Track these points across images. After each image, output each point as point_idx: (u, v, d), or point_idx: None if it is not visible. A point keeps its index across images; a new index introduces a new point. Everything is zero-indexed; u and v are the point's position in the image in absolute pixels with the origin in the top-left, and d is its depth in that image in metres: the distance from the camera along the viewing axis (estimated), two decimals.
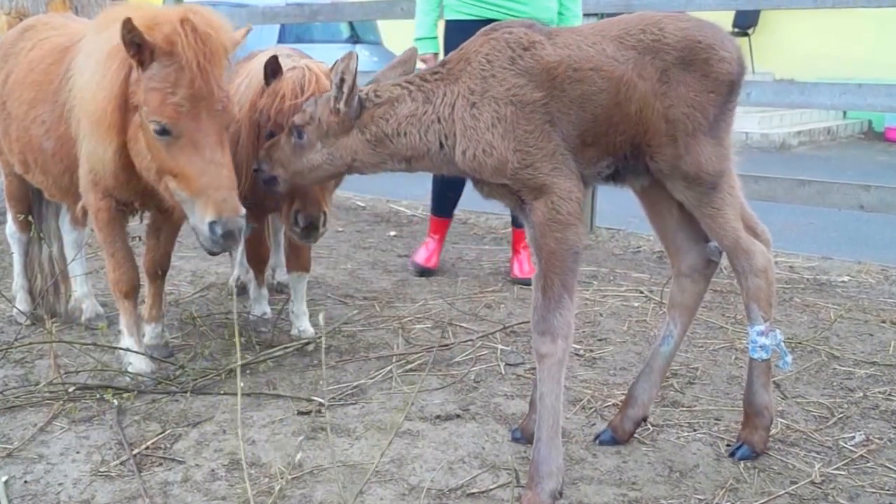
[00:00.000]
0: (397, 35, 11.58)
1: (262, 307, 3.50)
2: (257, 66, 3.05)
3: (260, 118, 2.82)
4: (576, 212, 2.08)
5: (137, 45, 2.36)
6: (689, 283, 2.44)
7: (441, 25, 4.14)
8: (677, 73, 2.11)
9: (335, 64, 2.24)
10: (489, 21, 2.79)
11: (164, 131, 2.37)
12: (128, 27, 2.31)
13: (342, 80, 2.18)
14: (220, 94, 2.43)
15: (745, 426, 2.39)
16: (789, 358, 2.36)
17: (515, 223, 4.28)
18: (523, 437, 2.45)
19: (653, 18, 2.19)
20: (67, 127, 2.87)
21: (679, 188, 2.21)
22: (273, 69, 2.80)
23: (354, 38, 10.33)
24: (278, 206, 2.94)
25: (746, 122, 10.43)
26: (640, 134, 2.12)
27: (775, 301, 2.35)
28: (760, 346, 2.32)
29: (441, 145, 2.17)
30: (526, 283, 4.05)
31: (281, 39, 9.74)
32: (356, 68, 2.18)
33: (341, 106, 2.21)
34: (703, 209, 2.22)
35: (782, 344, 2.32)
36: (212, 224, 2.36)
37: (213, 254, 2.58)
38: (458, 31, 3.73)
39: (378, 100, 2.22)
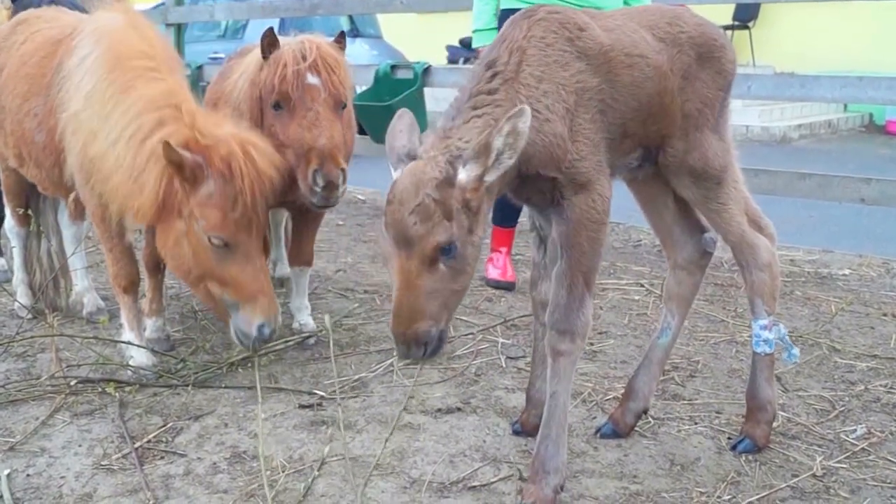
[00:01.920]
0: (397, 29, 11.56)
1: None
2: (252, 60, 3.03)
3: (262, 91, 2.78)
4: (608, 210, 2.04)
5: (178, 165, 2.41)
6: (686, 274, 2.44)
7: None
8: (695, 69, 2.13)
9: (501, 126, 1.78)
10: None
11: (223, 245, 2.47)
12: (170, 153, 2.37)
13: (508, 146, 1.78)
14: (269, 187, 2.57)
15: (748, 420, 2.39)
16: (796, 350, 2.36)
17: (498, 221, 4.04)
18: (524, 430, 2.44)
19: (673, 12, 2.20)
20: (58, 119, 2.87)
21: (685, 184, 2.20)
22: (269, 42, 2.77)
23: (354, 32, 10.28)
24: (285, 192, 2.87)
25: (747, 115, 10.41)
26: (667, 126, 2.12)
27: (778, 295, 2.34)
28: (764, 340, 2.32)
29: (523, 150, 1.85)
30: (502, 286, 3.91)
31: (281, 32, 9.71)
32: (527, 130, 1.79)
33: (490, 177, 1.81)
34: (709, 204, 2.22)
35: (787, 337, 2.33)
36: (261, 326, 2.52)
37: (254, 351, 2.73)
38: None
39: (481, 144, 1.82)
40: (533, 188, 2.03)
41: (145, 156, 2.51)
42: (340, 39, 2.94)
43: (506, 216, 4.04)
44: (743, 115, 10.42)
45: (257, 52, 2.91)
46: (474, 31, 3.89)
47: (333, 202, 2.77)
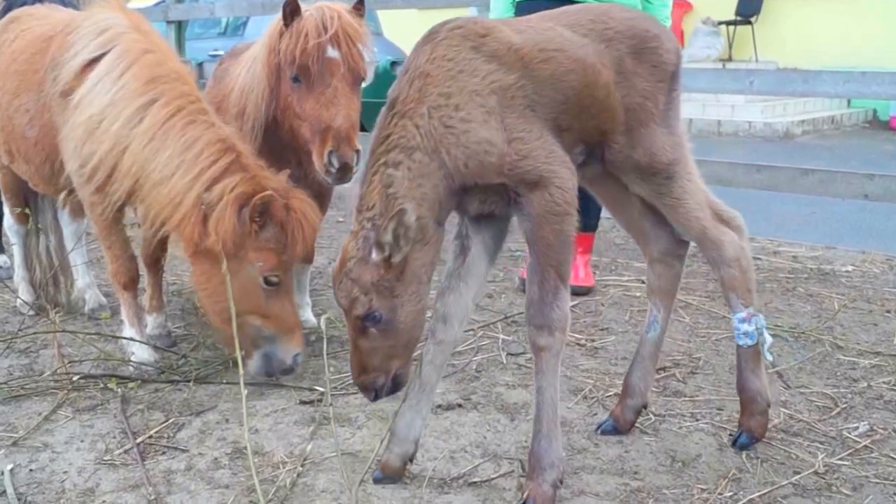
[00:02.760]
0: (398, 25, 11.54)
1: None
2: (252, 55, 3.02)
3: (282, 60, 2.77)
4: (572, 200, 2.01)
5: (261, 213, 2.52)
6: (664, 267, 2.41)
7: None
8: (630, 63, 2.10)
9: (396, 218, 1.86)
10: (567, 2, 2.69)
11: (270, 283, 2.60)
12: (263, 203, 2.49)
13: (400, 236, 1.86)
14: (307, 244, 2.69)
15: (743, 413, 2.38)
16: (769, 340, 2.31)
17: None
18: (384, 477, 2.22)
19: (598, 9, 2.16)
20: (51, 115, 2.88)
21: (634, 180, 2.16)
22: (292, 9, 2.76)
23: None
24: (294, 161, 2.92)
25: (749, 111, 10.40)
26: (606, 121, 2.08)
27: (754, 286, 2.29)
28: (744, 333, 2.28)
29: (444, 178, 1.93)
30: (581, 292, 3.81)
31: None
32: (413, 220, 1.87)
33: (399, 256, 1.90)
34: (663, 200, 2.17)
35: (765, 329, 2.29)
36: (296, 356, 2.65)
37: (279, 376, 2.75)
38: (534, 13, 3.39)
39: (383, 206, 1.91)
40: (485, 195, 2.03)
41: (216, 197, 2.54)
42: (360, 6, 2.93)
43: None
44: (745, 110, 10.41)
45: (277, 19, 2.88)
46: None
47: (348, 181, 2.79)
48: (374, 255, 1.90)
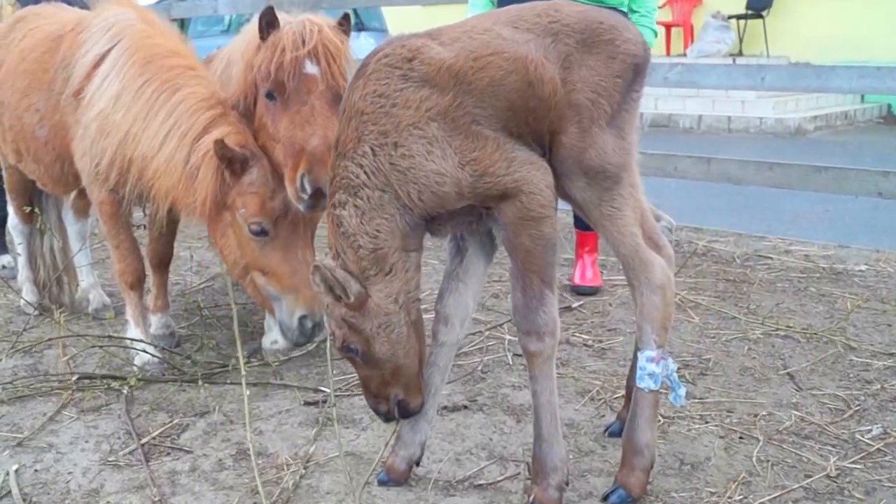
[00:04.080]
0: (402, 22, 11.54)
1: None
2: (234, 48, 2.94)
3: (257, 76, 2.60)
4: (548, 202, 1.93)
5: (229, 160, 2.49)
6: None
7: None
8: (580, 56, 1.98)
9: (314, 277, 1.95)
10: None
11: (262, 232, 2.54)
12: (222, 148, 2.46)
13: (332, 287, 1.93)
14: None
15: (622, 466, 2.14)
16: (683, 391, 2.14)
17: (577, 225, 3.96)
18: (390, 479, 2.23)
19: (546, 4, 2.07)
20: (62, 116, 2.90)
21: (580, 185, 2.02)
22: (269, 21, 2.58)
23: (359, 26, 10.26)
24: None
25: (760, 107, 10.34)
26: (555, 121, 1.97)
27: (670, 324, 2.12)
28: (649, 374, 2.08)
29: (401, 208, 1.92)
30: (588, 291, 3.83)
31: None
32: (333, 273, 1.92)
33: (351, 297, 1.94)
34: (603, 208, 2.03)
35: (675, 375, 2.11)
36: (302, 318, 2.57)
37: (298, 345, 2.76)
38: None
39: (338, 246, 1.97)
40: (454, 218, 2.00)
41: (201, 154, 2.55)
42: (344, 22, 2.74)
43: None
44: (756, 106, 10.36)
45: (254, 31, 2.84)
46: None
47: (321, 210, 2.55)
48: (330, 298, 1.97)
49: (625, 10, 3.47)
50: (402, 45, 1.92)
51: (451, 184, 1.88)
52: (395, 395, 2.10)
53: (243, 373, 2.61)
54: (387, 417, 2.14)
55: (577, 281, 3.90)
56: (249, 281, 2.65)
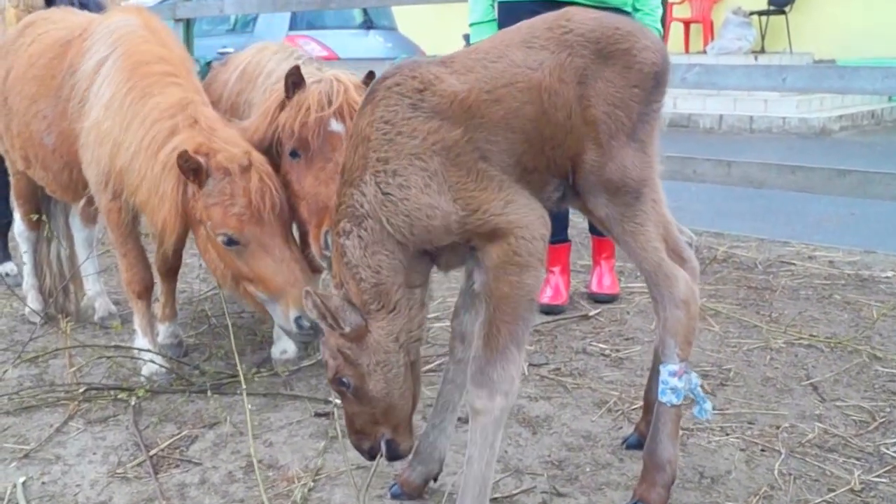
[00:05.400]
0: (412, 20, 11.60)
1: None
2: (245, 59, 3.03)
3: (282, 134, 2.67)
4: (538, 252, 1.90)
5: (195, 171, 2.51)
6: None
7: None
8: (596, 68, 1.95)
9: (307, 303, 1.97)
10: (550, 2, 2.62)
11: (231, 241, 2.54)
12: (185, 158, 2.47)
13: (324, 316, 1.94)
14: (276, 196, 2.59)
15: (643, 481, 2.15)
16: (709, 405, 2.15)
17: (593, 230, 3.96)
18: (403, 493, 2.24)
19: (557, 14, 2.04)
20: (69, 123, 2.95)
21: (601, 202, 2.01)
22: (295, 81, 2.64)
23: (368, 24, 10.35)
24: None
25: (784, 106, 10.32)
26: (573, 145, 1.96)
27: (694, 338, 2.14)
28: (671, 389, 2.09)
29: (398, 244, 1.92)
30: (606, 299, 3.84)
31: (293, 26, 9.81)
32: (325, 302, 1.94)
33: (346, 328, 1.96)
34: (625, 224, 2.02)
35: (699, 389, 2.13)
36: (297, 319, 2.54)
37: (304, 345, 2.76)
38: (514, 14, 3.09)
39: (343, 275, 1.98)
40: (453, 258, 2.01)
41: (160, 167, 2.59)
42: (368, 80, 2.77)
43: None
44: (779, 105, 10.33)
45: (250, 54, 2.87)
46: (471, 25, 3.73)
47: None
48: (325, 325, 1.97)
49: (629, 9, 3.51)
50: (413, 75, 1.91)
51: (440, 217, 1.87)
52: (383, 434, 2.08)
53: (244, 386, 2.67)
54: (370, 455, 2.12)
55: (594, 288, 3.91)
56: (242, 290, 2.67)
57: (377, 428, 2.08)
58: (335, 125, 2.63)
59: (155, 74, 2.74)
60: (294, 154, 2.66)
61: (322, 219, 2.57)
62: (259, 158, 2.61)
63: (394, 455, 2.11)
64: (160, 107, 2.67)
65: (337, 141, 2.63)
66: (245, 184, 2.52)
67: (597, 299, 3.87)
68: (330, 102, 2.62)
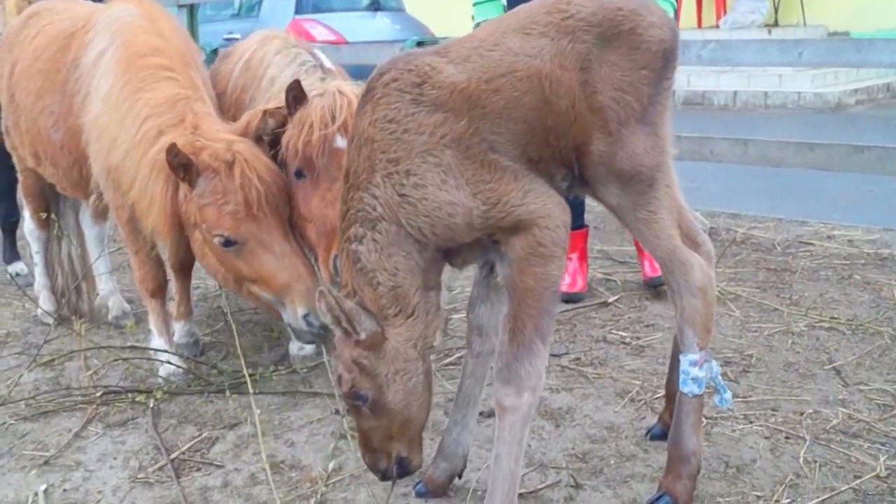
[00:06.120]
0: (421, 1, 11.52)
1: None
2: (248, 50, 3.00)
3: (286, 154, 2.60)
4: (562, 240, 1.88)
5: (185, 167, 2.46)
6: None
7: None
8: (599, 53, 1.89)
9: (321, 305, 1.93)
10: None
11: (228, 242, 2.51)
12: (174, 153, 2.43)
13: (339, 319, 1.91)
14: (273, 188, 2.54)
15: (668, 473, 2.15)
16: (729, 395, 2.16)
17: None
18: (428, 490, 2.25)
19: None
20: (76, 119, 2.93)
21: (613, 193, 1.98)
22: (296, 96, 2.57)
23: (375, 6, 10.28)
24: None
25: (798, 80, 10.22)
26: (578, 134, 1.92)
27: (713, 325, 2.13)
28: (693, 379, 2.09)
29: (416, 244, 1.90)
30: (661, 282, 3.64)
31: (298, 9, 9.77)
32: (340, 303, 1.91)
33: (362, 333, 1.93)
34: (638, 213, 1.99)
35: (719, 377, 2.14)
36: (306, 316, 2.50)
37: (313, 343, 2.75)
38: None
39: (355, 283, 1.96)
40: (473, 253, 1.99)
41: (148, 168, 2.56)
42: None
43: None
44: (794, 80, 10.24)
45: (252, 43, 2.80)
46: (475, 5, 3.64)
47: None
48: (339, 333, 1.95)
49: None
50: (409, 68, 1.88)
51: (462, 214, 1.84)
52: (398, 451, 2.05)
53: (251, 390, 2.68)
54: (384, 475, 2.09)
55: (650, 273, 3.78)
56: (246, 292, 2.65)
57: (392, 444, 2.05)
58: (340, 141, 2.56)
59: (149, 67, 2.71)
60: (299, 174, 2.60)
61: (330, 242, 2.51)
62: (243, 148, 2.54)
63: (405, 472, 2.09)
64: (150, 103, 2.63)
65: (342, 158, 2.53)
66: (233, 180, 2.48)
67: (653, 284, 3.74)
68: (334, 118, 2.55)
